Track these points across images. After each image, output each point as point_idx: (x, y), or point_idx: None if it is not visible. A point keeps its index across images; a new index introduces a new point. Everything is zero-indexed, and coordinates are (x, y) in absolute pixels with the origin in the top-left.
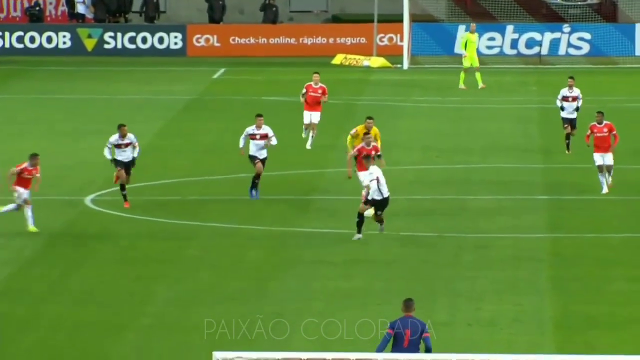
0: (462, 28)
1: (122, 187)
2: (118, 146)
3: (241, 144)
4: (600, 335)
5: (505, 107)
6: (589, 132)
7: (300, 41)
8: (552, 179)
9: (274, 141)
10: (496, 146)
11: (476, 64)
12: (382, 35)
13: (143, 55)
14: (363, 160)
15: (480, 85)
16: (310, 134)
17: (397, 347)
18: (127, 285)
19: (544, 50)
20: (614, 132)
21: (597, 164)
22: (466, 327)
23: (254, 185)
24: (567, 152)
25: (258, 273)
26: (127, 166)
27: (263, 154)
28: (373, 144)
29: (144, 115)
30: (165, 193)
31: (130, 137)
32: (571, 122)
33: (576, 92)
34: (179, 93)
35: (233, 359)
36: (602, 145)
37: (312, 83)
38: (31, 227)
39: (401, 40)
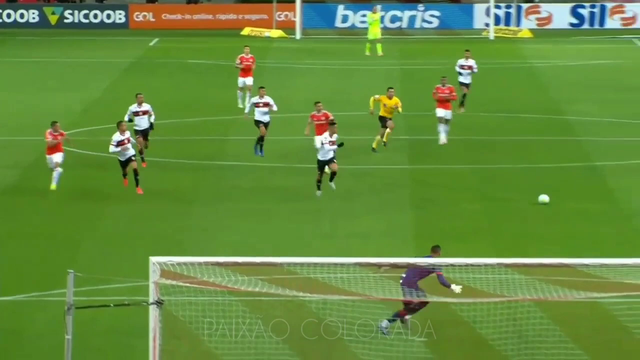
0: (341, 7)
1: (141, 152)
2: (136, 114)
3: (247, 110)
4: (451, 244)
5: (376, 68)
6: (435, 91)
7: (216, 17)
8: (412, 123)
9: (274, 108)
10: (370, 96)
11: (378, 36)
12: (280, 12)
13: (95, 28)
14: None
15: (380, 53)
16: (247, 95)
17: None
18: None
19: (404, 24)
20: (454, 93)
21: (438, 115)
22: (345, 239)
23: (259, 145)
24: (461, 109)
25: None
26: (145, 133)
27: (266, 119)
28: (323, 111)
29: (96, 75)
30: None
31: (147, 105)
32: (467, 86)
33: (471, 62)
34: (123, 57)
35: (166, 263)
36: (445, 103)
37: (244, 54)
38: (53, 186)
39: (294, 16)
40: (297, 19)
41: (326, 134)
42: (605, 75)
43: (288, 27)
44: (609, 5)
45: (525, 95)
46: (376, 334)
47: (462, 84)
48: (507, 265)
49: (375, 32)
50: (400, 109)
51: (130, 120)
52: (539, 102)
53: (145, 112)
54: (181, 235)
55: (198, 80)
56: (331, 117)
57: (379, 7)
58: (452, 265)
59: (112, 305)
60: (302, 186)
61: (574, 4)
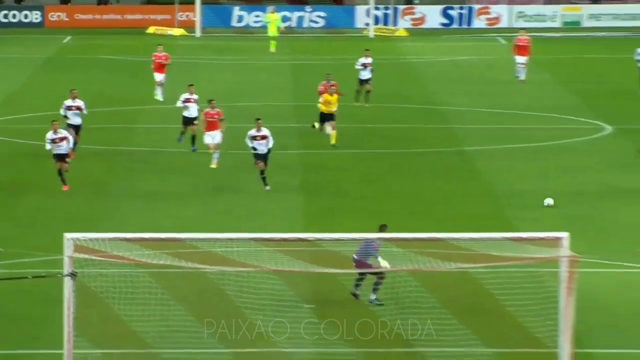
0: (236, 8)
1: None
2: (69, 108)
3: (178, 104)
4: (336, 222)
5: (269, 64)
6: (320, 86)
7: (124, 17)
8: (300, 112)
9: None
10: (265, 89)
11: (277, 34)
12: (181, 13)
13: (13, 27)
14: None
15: (272, 50)
16: (160, 89)
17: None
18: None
19: (293, 23)
20: (336, 88)
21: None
22: (242, 219)
23: (191, 139)
24: (366, 104)
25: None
26: (77, 128)
27: (195, 114)
28: (217, 109)
29: (15, 69)
30: (40, 121)
31: (79, 101)
32: (367, 81)
33: (369, 60)
34: (39, 53)
35: (79, 239)
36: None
37: (157, 52)
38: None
39: (194, 16)
40: (197, 19)
41: (254, 130)
42: (473, 69)
43: (189, 26)
44: (476, 7)
45: (403, 88)
46: (270, 301)
47: (362, 80)
48: (386, 240)
49: (274, 31)
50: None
51: (65, 116)
52: (415, 93)
53: (78, 108)
54: (94, 214)
55: (108, 75)
56: (222, 116)
57: (274, 8)
58: (338, 239)
59: (30, 277)
60: (203, 170)
61: (444, 5)
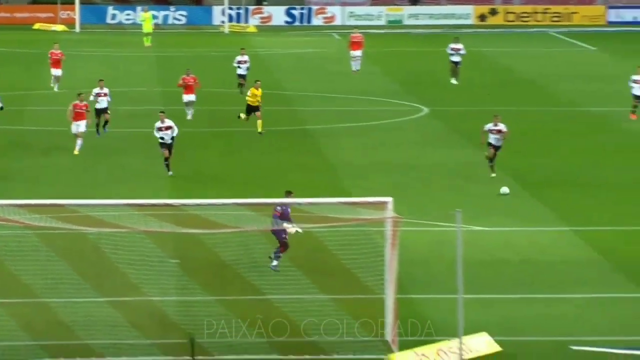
0: (110, 8)
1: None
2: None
3: (91, 98)
4: (199, 189)
5: (139, 55)
6: (181, 80)
7: (13, 15)
8: (165, 96)
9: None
10: (135, 77)
11: (151, 30)
12: (63, 11)
13: None
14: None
15: (147, 45)
16: (56, 84)
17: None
18: None
19: (160, 21)
20: (197, 82)
21: (184, 100)
22: (118, 185)
23: (104, 127)
24: (240, 94)
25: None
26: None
27: (104, 105)
28: (85, 101)
29: None
30: None
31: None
32: (244, 77)
33: (245, 57)
34: None
35: None
36: (190, 88)
37: (53, 50)
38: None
39: (74, 14)
40: (77, 17)
41: (159, 122)
42: (313, 60)
43: (69, 23)
44: (314, 7)
45: (253, 76)
46: (141, 257)
47: (240, 75)
48: (240, 205)
49: (148, 27)
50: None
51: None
52: (265, 80)
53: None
54: None
55: (7, 69)
56: (88, 108)
57: (147, 7)
58: (199, 205)
59: None
60: (87, 146)
61: (288, 6)
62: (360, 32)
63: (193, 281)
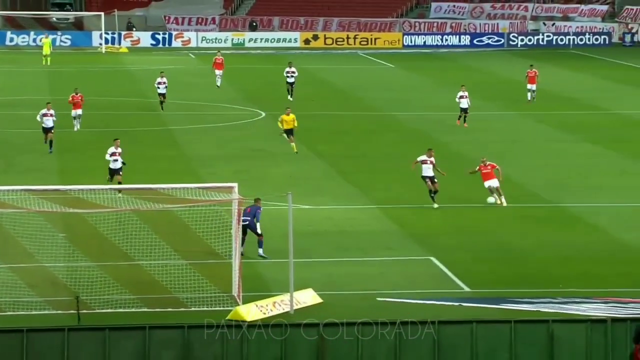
0: (9, 32)
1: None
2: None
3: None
4: (83, 178)
5: (36, 71)
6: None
7: None
8: (54, 103)
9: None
10: (29, 87)
11: (49, 52)
12: None
13: None
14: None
15: (46, 64)
16: None
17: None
18: None
19: (53, 42)
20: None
21: (72, 115)
22: (21, 175)
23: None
24: (162, 110)
25: None
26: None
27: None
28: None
29: None
30: None
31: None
32: (164, 95)
33: (165, 79)
34: None
35: None
36: (77, 104)
37: None
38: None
39: None
40: None
41: (112, 148)
42: (175, 74)
43: None
44: (174, 32)
45: (123, 87)
46: (35, 231)
47: (160, 94)
48: (120, 190)
49: (47, 50)
50: (296, 123)
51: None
52: (133, 91)
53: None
54: None
55: None
56: None
57: (47, 34)
58: (81, 190)
59: None
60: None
61: (152, 32)
62: (221, 56)
63: (79, 249)
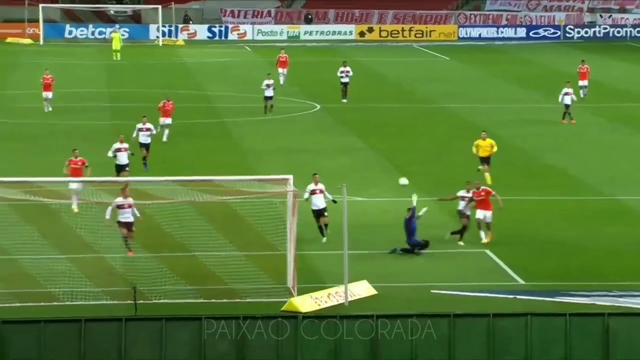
0: (67, 25)
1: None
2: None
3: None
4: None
5: (91, 63)
6: None
7: None
8: (112, 96)
9: (154, 132)
10: (88, 80)
11: (118, 47)
12: (29, 28)
13: None
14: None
15: (116, 59)
16: (47, 104)
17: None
18: None
19: (107, 36)
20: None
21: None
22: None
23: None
24: (268, 114)
25: None
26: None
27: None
28: (79, 157)
29: None
30: None
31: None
32: (270, 98)
33: (272, 81)
34: None
35: None
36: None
37: (45, 75)
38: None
39: (38, 30)
40: (41, 32)
41: (117, 144)
42: (231, 68)
43: (35, 37)
44: (230, 25)
45: (181, 80)
46: (93, 223)
47: (267, 97)
48: (174, 181)
49: (117, 45)
50: (495, 148)
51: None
52: (189, 83)
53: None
54: None
55: None
56: None
57: (117, 27)
58: (140, 181)
59: None
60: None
61: (209, 24)
62: (286, 53)
63: (135, 241)
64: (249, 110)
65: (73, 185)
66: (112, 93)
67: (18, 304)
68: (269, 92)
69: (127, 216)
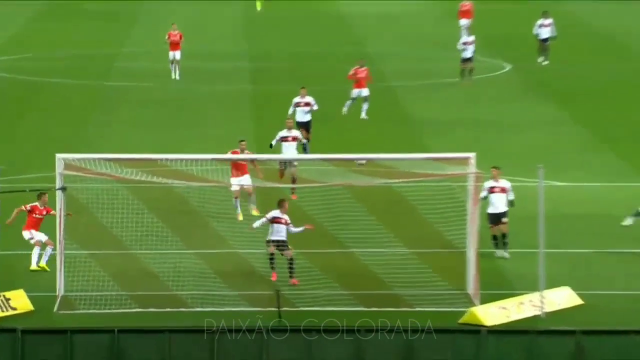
0: None
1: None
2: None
3: (290, 111)
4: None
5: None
6: None
7: None
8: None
9: (315, 107)
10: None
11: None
12: None
13: None
14: None
15: (259, 9)
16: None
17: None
18: None
19: None
20: None
21: None
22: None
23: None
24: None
25: None
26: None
27: (307, 118)
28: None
29: None
30: None
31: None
32: (469, 60)
33: (472, 37)
34: None
35: (68, 159)
36: None
37: (171, 30)
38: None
39: None
40: None
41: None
42: (398, 18)
43: None
44: None
45: (332, 34)
46: (227, 210)
47: (465, 59)
48: (325, 160)
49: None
50: None
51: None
52: (344, 39)
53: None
54: (78, 140)
55: None
56: None
57: None
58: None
59: (27, 190)
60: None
61: None
62: (470, 1)
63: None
64: (419, 72)
65: (236, 187)
66: (251, 52)
67: (138, 309)
68: (468, 53)
69: (281, 235)
